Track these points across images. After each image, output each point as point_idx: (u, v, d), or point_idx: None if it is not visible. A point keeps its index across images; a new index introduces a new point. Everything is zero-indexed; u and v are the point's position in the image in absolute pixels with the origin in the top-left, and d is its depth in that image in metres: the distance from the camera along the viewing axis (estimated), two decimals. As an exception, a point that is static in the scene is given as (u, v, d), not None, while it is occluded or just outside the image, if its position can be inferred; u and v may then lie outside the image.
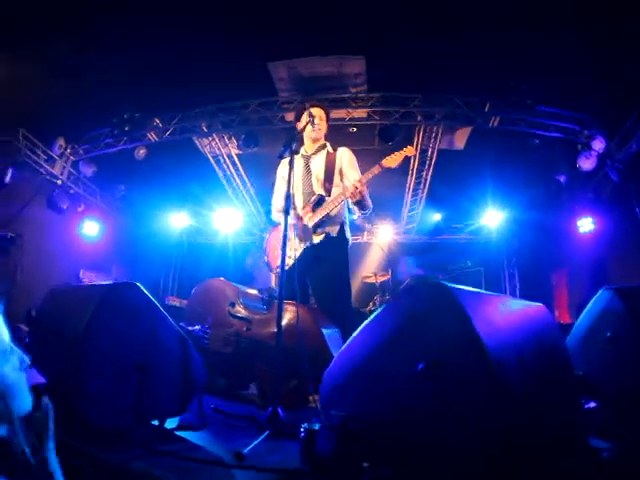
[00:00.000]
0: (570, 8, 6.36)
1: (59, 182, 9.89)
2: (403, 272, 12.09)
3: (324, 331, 3.63)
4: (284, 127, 9.42)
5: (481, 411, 1.69)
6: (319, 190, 4.57)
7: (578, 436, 2.01)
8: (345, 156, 4.73)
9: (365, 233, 13.99)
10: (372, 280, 10.48)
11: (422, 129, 9.90)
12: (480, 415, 1.69)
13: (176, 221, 13.27)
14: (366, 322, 2.21)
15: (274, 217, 4.94)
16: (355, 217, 4.76)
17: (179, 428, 2.59)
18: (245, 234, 14.18)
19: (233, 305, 4.18)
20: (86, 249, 10.72)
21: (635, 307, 2.33)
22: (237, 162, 11.54)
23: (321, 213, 4.41)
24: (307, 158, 4.73)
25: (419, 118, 9.27)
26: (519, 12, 6.58)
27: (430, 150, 10.48)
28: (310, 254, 4.40)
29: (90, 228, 10.83)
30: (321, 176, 4.62)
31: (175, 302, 10.32)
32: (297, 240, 4.42)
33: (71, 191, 10.28)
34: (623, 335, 2.34)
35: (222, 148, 10.83)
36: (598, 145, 8.15)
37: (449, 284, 1.92)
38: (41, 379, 1.82)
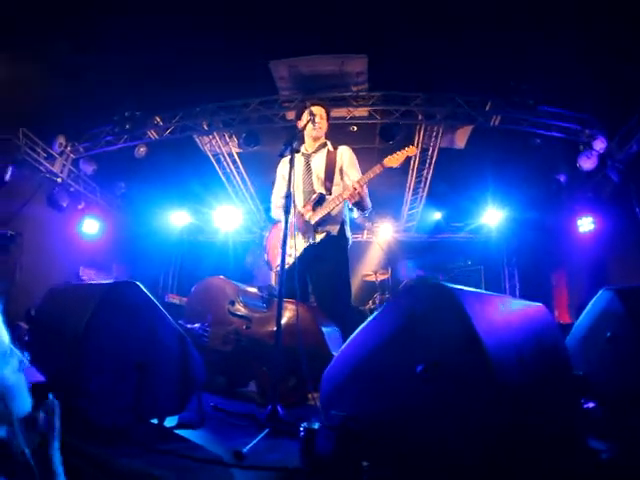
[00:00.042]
0: (570, 8, 6.35)
1: (59, 180, 9.87)
2: (403, 275, 12.09)
3: (323, 329, 3.64)
4: (285, 126, 9.41)
5: (480, 411, 1.69)
6: (319, 189, 4.58)
7: (577, 436, 2.01)
8: (346, 155, 4.74)
9: (365, 232, 13.98)
10: (372, 279, 10.49)
11: (423, 128, 9.90)
12: (479, 415, 1.69)
13: (176, 219, 13.26)
14: (366, 322, 2.21)
15: (273, 214, 4.94)
16: (355, 216, 4.76)
17: (178, 426, 2.60)
18: (245, 232, 14.17)
19: (233, 303, 4.19)
20: (86, 247, 10.70)
21: (635, 308, 2.33)
22: (237, 160, 11.53)
23: (322, 212, 4.41)
24: (307, 157, 4.73)
25: (420, 117, 9.27)
26: (519, 12, 6.57)
27: (431, 149, 10.46)
28: (311, 253, 4.40)
29: (90, 226, 10.80)
30: (322, 175, 4.62)
31: (175, 300, 10.33)
32: (300, 237, 4.42)
33: (71, 189, 10.25)
34: (623, 335, 2.35)
35: (222, 146, 10.82)
36: (599, 145, 8.15)
37: (449, 284, 1.92)
38: (40, 377, 1.82)
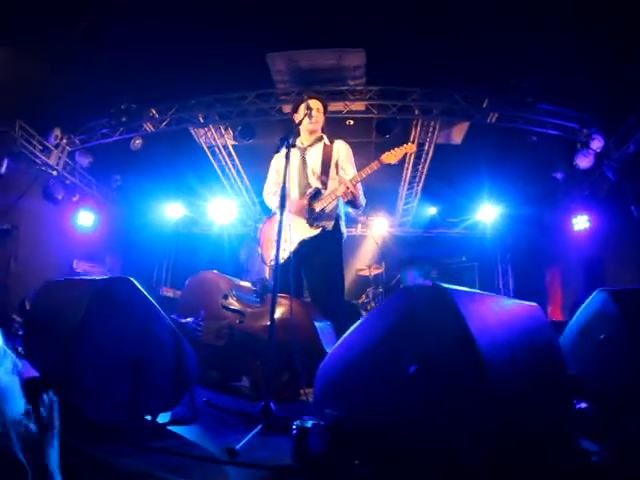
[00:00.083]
0: (570, 8, 6.34)
1: (55, 173, 9.82)
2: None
3: (316, 324, 3.64)
4: (281, 119, 9.38)
5: (472, 410, 1.69)
6: (315, 183, 4.57)
7: (569, 437, 2.02)
8: (342, 149, 4.73)
9: (359, 225, 13.96)
10: (366, 273, 10.51)
11: (419, 123, 9.89)
12: (471, 414, 1.69)
13: (171, 211, 13.23)
14: (360, 321, 2.21)
15: (266, 201, 4.94)
16: (350, 210, 4.77)
17: (171, 422, 2.59)
18: (240, 225, 14.14)
19: (226, 297, 4.19)
20: (81, 239, 10.65)
21: (629, 309, 2.33)
22: (233, 153, 11.51)
23: (317, 207, 4.41)
24: (303, 150, 4.71)
25: (417, 112, 9.25)
26: (519, 12, 6.56)
27: (427, 144, 10.46)
28: (306, 247, 4.40)
29: (85, 218, 10.76)
30: (317, 169, 4.61)
31: (169, 293, 10.34)
32: (298, 226, 4.41)
33: (67, 181, 10.20)
34: (616, 337, 2.35)
35: (218, 139, 10.80)
36: (596, 144, 8.16)
37: (444, 284, 1.91)
38: (33, 373, 1.82)
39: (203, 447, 2.27)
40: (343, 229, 4.66)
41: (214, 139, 10.77)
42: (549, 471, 1.78)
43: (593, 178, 8.85)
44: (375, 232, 13.38)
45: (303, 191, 4.57)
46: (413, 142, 9.66)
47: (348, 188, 4.23)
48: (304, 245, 4.39)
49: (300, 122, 4.47)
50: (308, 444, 1.89)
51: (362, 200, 4.51)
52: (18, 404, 1.38)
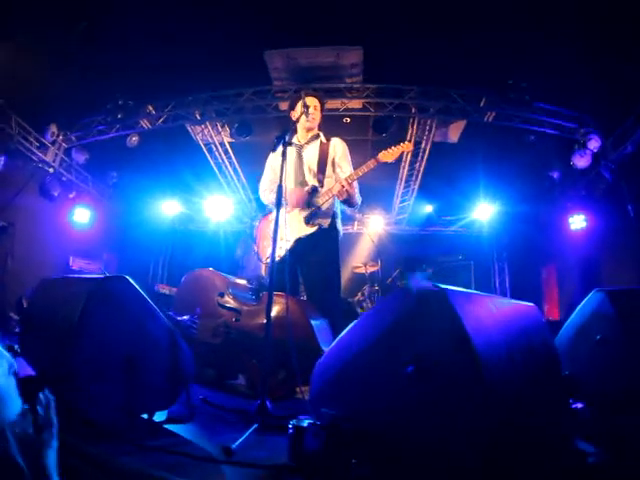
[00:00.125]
0: (570, 8, 6.34)
1: (51, 170, 9.80)
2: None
3: (312, 322, 3.64)
4: (278, 116, 9.38)
5: (468, 410, 1.69)
6: (311, 180, 4.57)
7: (565, 437, 2.02)
8: (339, 147, 4.72)
9: (355, 223, 13.98)
10: (362, 270, 10.53)
11: (416, 121, 9.90)
12: (468, 414, 1.69)
13: (167, 208, 13.21)
14: (356, 320, 2.21)
15: (262, 198, 4.94)
16: (345, 208, 4.78)
17: (168, 421, 2.59)
18: (236, 222, 14.13)
19: (222, 295, 4.18)
20: (77, 236, 10.63)
21: (625, 310, 2.34)
22: (229, 150, 11.51)
23: (313, 205, 4.40)
24: (300, 147, 4.70)
25: (414, 110, 9.26)
26: (519, 11, 6.56)
27: (424, 142, 10.47)
28: (302, 245, 4.40)
29: (81, 215, 10.74)
30: (314, 166, 4.60)
31: (165, 290, 10.32)
32: (295, 219, 4.40)
33: (63, 178, 10.18)
34: (613, 338, 2.35)
35: (214, 136, 10.79)
36: (594, 144, 8.17)
37: (440, 285, 1.91)
38: (29, 371, 1.81)
39: (199, 446, 2.27)
40: (339, 227, 4.66)
41: (211, 136, 10.76)
42: (546, 472, 1.79)
43: (590, 178, 8.85)
44: (371, 230, 13.41)
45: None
46: (410, 140, 9.67)
47: (344, 187, 4.23)
48: (300, 243, 4.39)
49: (297, 120, 4.47)
50: (304, 443, 1.89)
51: (357, 199, 4.51)
52: (14, 404, 1.37)
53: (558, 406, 2.07)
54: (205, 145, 11.12)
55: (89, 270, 10.19)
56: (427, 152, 10.73)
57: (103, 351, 2.33)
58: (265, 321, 2.97)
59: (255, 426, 2.46)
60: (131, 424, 2.36)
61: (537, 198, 10.49)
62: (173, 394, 2.66)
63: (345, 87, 9.15)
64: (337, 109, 9.28)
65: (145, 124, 9.89)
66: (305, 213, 4.41)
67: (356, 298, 9.94)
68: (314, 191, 4.46)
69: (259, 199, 5.04)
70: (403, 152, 4.46)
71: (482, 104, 8.72)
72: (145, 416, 2.52)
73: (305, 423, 1.94)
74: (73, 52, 7.39)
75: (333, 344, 2.32)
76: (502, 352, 1.83)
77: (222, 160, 11.73)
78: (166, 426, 2.54)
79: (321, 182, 4.54)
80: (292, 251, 4.32)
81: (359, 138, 9.92)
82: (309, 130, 4.76)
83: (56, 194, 9.76)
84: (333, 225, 4.56)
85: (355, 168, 4.44)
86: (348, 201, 4.41)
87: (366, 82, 9.11)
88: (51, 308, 2.54)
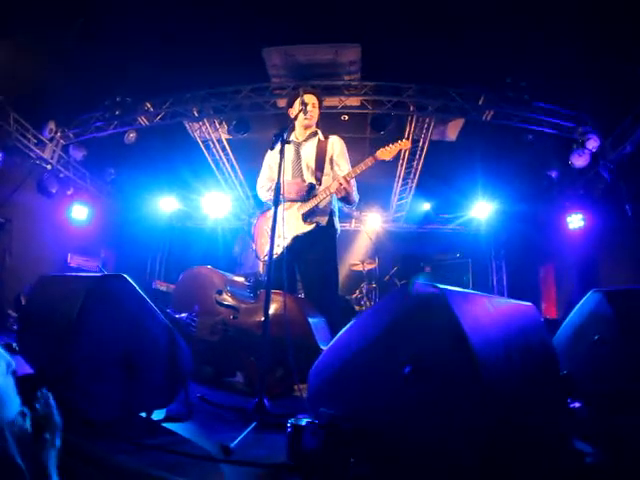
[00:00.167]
0: (570, 9, 6.34)
1: (49, 167, 9.77)
2: None
3: (310, 320, 3.64)
4: (275, 113, 9.37)
5: (466, 409, 1.69)
6: (309, 178, 4.57)
7: (563, 437, 2.03)
8: (337, 145, 4.73)
9: (353, 220, 13.97)
10: (359, 268, 10.50)
11: (414, 119, 9.89)
12: (465, 413, 1.69)
13: (165, 205, 13.20)
14: (354, 320, 2.21)
15: (259, 195, 4.94)
16: (343, 206, 4.78)
17: (166, 419, 2.58)
18: (234, 219, 14.11)
19: (220, 293, 4.19)
20: (75, 233, 10.62)
21: (623, 310, 2.34)
22: (227, 147, 11.50)
23: (311, 202, 4.40)
24: (297, 145, 4.71)
25: (412, 108, 9.25)
26: (518, 10, 6.56)
27: (422, 140, 10.47)
28: (299, 243, 4.40)
29: (79, 212, 10.72)
30: (312, 164, 4.61)
31: (162, 287, 10.32)
32: (290, 221, 4.40)
33: (61, 175, 10.14)
34: (610, 338, 2.36)
35: (212, 133, 10.78)
36: (592, 144, 8.18)
37: (438, 285, 1.91)
38: (28, 369, 1.80)
39: (198, 444, 2.27)
40: (337, 224, 4.67)
41: (208, 133, 10.75)
42: (544, 471, 1.79)
43: (588, 177, 8.87)
44: (369, 227, 13.38)
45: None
46: (408, 138, 9.62)
47: (341, 184, 4.23)
48: (298, 241, 4.39)
49: (295, 117, 4.46)
50: (303, 442, 1.89)
51: (355, 196, 4.51)
52: (13, 404, 1.37)
53: (556, 405, 2.08)
54: (203, 142, 11.11)
55: (87, 267, 10.17)
56: (425, 150, 10.72)
57: (101, 349, 2.33)
58: (263, 319, 2.98)
59: (254, 424, 2.46)
60: (129, 422, 2.36)
61: (535, 197, 10.51)
62: (171, 392, 2.66)
63: (343, 84, 9.14)
64: (335, 106, 9.26)
65: (143, 121, 9.86)
66: (303, 210, 4.41)
67: (354, 296, 9.94)
68: (311, 189, 4.46)
69: (257, 196, 5.05)
70: (401, 150, 4.47)
71: (480, 103, 8.72)
72: (143, 414, 2.52)
73: (303, 422, 1.94)
74: (71, 49, 7.38)
75: (331, 343, 2.32)
76: (500, 351, 1.83)
77: (220, 157, 11.71)
78: (164, 424, 2.54)
79: (319, 180, 4.55)
80: (290, 249, 4.32)
81: (357, 136, 9.93)
82: (307, 127, 4.77)
83: (54, 191, 9.74)
84: (331, 223, 4.57)
85: (353, 166, 4.45)
86: (346, 199, 4.41)
87: (364, 80, 9.10)
88: (49, 305, 2.54)
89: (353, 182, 4.41)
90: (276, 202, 3.27)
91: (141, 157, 10.51)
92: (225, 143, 11.31)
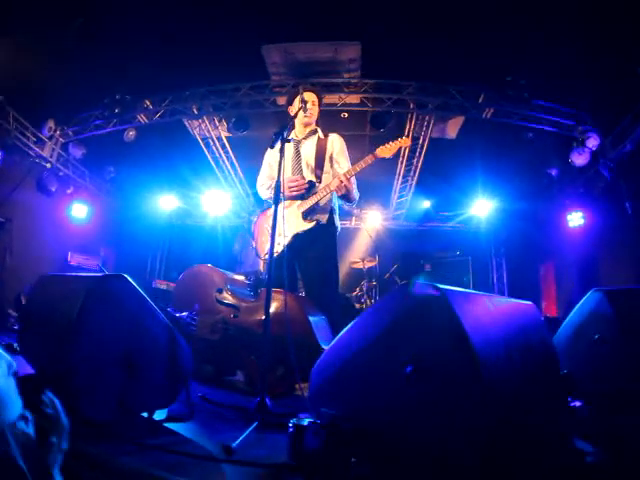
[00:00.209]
0: (570, 7, 6.34)
1: (48, 165, 9.77)
2: None
3: (310, 319, 3.64)
4: (275, 111, 9.36)
5: (467, 409, 1.69)
6: (309, 176, 4.56)
7: (564, 436, 2.03)
8: (337, 142, 4.73)
9: (353, 218, 13.97)
10: (359, 266, 10.51)
11: (414, 117, 9.88)
12: (466, 413, 1.69)
13: (165, 203, 13.20)
14: (355, 319, 2.21)
15: (259, 193, 4.94)
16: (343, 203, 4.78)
17: (168, 419, 2.58)
18: (234, 217, 14.11)
19: (221, 291, 4.19)
20: (75, 231, 10.62)
21: (623, 310, 2.34)
22: (226, 145, 11.48)
23: (311, 200, 4.40)
24: (297, 143, 4.70)
25: (412, 106, 9.24)
26: (519, 8, 6.55)
27: (422, 138, 10.46)
28: (300, 241, 4.40)
29: (79, 210, 10.72)
30: (311, 162, 4.60)
31: (162, 285, 10.33)
32: (290, 219, 4.40)
33: (60, 173, 10.13)
34: (610, 338, 2.36)
35: (212, 130, 10.77)
36: (592, 142, 8.18)
37: (437, 285, 1.91)
38: (28, 369, 1.80)
39: (200, 444, 2.26)
40: (337, 222, 4.66)
41: (208, 131, 10.74)
42: (544, 470, 1.79)
43: (588, 175, 8.87)
44: (369, 225, 13.39)
45: (297, 184, 4.57)
46: (408, 136, 9.63)
47: (342, 182, 4.23)
48: (298, 239, 4.39)
49: (295, 115, 4.45)
50: (304, 442, 1.89)
51: (355, 194, 4.51)
52: (15, 406, 1.37)
53: (556, 404, 2.08)
54: (202, 140, 11.10)
55: (87, 265, 10.18)
56: (425, 148, 10.72)
57: (101, 349, 2.33)
58: (263, 317, 2.98)
59: (255, 424, 2.46)
60: (131, 423, 2.36)
61: (535, 195, 10.51)
62: (173, 392, 2.66)
63: (343, 82, 9.13)
64: (335, 104, 9.24)
65: (142, 119, 9.85)
66: (303, 208, 4.41)
67: (354, 293, 9.96)
68: (311, 187, 4.46)
69: (257, 194, 5.05)
70: (401, 148, 4.47)
71: (480, 100, 8.72)
72: (145, 414, 2.52)
73: (305, 422, 1.94)
74: (70, 47, 7.36)
75: (332, 343, 2.32)
76: (500, 350, 1.83)
77: (219, 155, 11.71)
78: (166, 424, 2.54)
79: (319, 177, 4.55)
80: (290, 247, 4.31)
81: (357, 133, 9.92)
82: (307, 125, 4.77)
83: (53, 189, 9.74)
84: (331, 221, 4.57)
85: (353, 163, 4.44)
86: (346, 196, 4.40)
87: (364, 77, 9.09)
88: (50, 305, 2.54)
89: (353, 180, 4.41)
90: (276, 200, 3.27)
91: (141, 155, 10.49)
92: (225, 141, 11.29)
